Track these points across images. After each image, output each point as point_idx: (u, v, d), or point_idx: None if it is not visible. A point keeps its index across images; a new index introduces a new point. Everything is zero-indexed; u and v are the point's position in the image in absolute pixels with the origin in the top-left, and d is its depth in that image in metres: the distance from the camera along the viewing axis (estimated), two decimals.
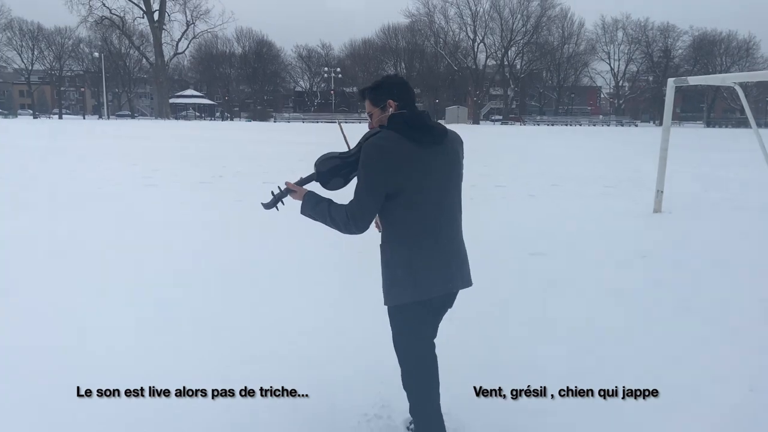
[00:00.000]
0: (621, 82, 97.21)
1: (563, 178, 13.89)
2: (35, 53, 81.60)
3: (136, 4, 79.75)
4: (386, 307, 2.60)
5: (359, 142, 2.49)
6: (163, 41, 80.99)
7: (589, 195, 11.20)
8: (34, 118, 79.60)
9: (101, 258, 6.05)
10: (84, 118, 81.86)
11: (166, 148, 22.11)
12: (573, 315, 4.67)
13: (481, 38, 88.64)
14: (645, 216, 9.19)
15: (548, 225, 8.31)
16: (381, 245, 2.55)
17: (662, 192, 9.42)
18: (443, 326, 2.79)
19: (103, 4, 78.72)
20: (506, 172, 15.19)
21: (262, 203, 2.65)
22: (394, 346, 2.67)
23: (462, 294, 2.67)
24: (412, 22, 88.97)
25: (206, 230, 7.53)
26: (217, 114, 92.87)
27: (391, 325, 2.65)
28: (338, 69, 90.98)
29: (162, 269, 5.68)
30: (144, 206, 9.21)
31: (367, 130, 2.56)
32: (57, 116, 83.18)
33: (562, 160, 19.36)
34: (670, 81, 9.05)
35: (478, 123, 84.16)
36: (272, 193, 2.67)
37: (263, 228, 7.58)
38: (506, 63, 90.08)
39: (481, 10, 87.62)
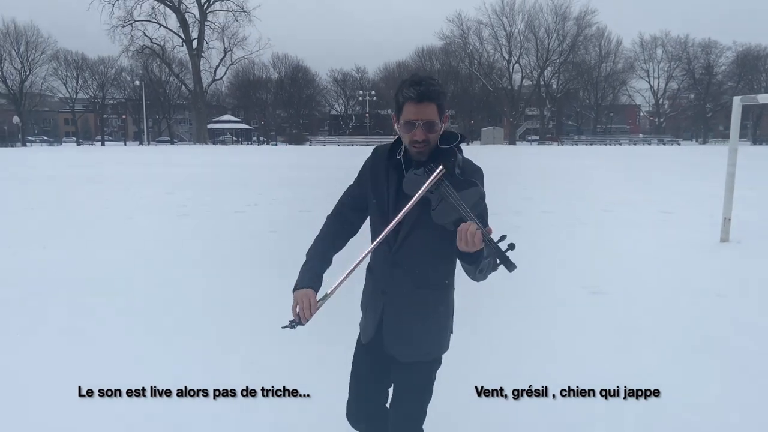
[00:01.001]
0: (661, 100, 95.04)
1: (613, 202, 13.12)
2: (79, 82, 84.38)
3: (176, 33, 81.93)
4: (417, 363, 2.14)
5: (462, 169, 1.99)
6: (201, 68, 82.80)
7: (645, 222, 10.44)
8: (78, 145, 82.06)
9: (111, 280, 5.67)
10: (125, 144, 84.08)
11: (203, 174, 22.09)
12: (649, 371, 4.01)
13: (516, 59, 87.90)
14: (712, 246, 8.41)
15: (605, 257, 7.64)
16: (441, 288, 2.11)
17: (730, 220, 8.63)
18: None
19: (144, 34, 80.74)
20: (551, 196, 14.48)
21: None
22: (421, 405, 2.16)
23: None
24: (446, 44, 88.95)
25: (232, 263, 7.10)
26: (254, 138, 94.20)
27: (426, 381, 2.17)
28: (373, 92, 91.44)
29: (172, 292, 5.26)
30: (174, 237, 8.88)
31: (449, 146, 2.03)
32: (99, 143, 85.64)
33: (608, 183, 18.53)
34: (737, 99, 8.34)
35: (515, 143, 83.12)
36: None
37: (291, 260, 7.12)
38: (542, 83, 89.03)
39: (516, 30, 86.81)
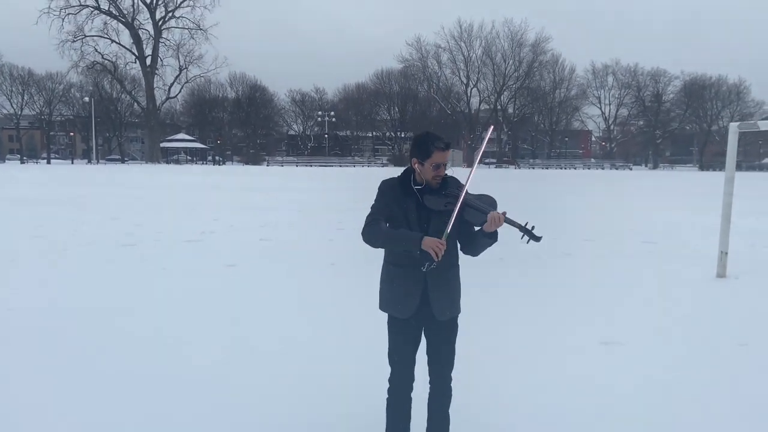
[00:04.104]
0: (612, 126, 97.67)
1: (593, 231, 12.56)
2: (25, 98, 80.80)
3: (128, 50, 79.67)
4: (447, 319, 2.99)
5: (460, 187, 2.89)
6: (155, 86, 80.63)
7: (631, 254, 9.84)
8: (22, 163, 78.27)
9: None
10: (72, 163, 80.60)
11: (153, 197, 20.70)
12: None
13: (474, 83, 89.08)
14: (710, 283, 7.82)
15: (605, 297, 6.91)
16: (457, 266, 3.02)
17: (726, 254, 8.08)
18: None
19: (95, 50, 78.04)
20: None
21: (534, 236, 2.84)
22: (454, 351, 3.08)
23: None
24: (405, 67, 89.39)
25: (186, 313, 6.05)
26: (209, 158, 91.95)
27: (455, 333, 3.07)
28: (332, 113, 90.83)
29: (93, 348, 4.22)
30: (113, 274, 7.72)
31: (450, 176, 2.94)
32: (45, 161, 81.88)
33: (581, 210, 18.11)
34: (733, 126, 7.85)
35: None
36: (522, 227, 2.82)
37: (260, 305, 6.11)
38: (499, 107, 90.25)
39: (474, 55, 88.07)
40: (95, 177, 35.83)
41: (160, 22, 79.58)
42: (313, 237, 11.22)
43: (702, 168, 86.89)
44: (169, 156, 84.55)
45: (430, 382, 3.09)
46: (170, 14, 79.97)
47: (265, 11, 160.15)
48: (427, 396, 3.12)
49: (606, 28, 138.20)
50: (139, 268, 8.10)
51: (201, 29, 78.77)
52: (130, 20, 77.87)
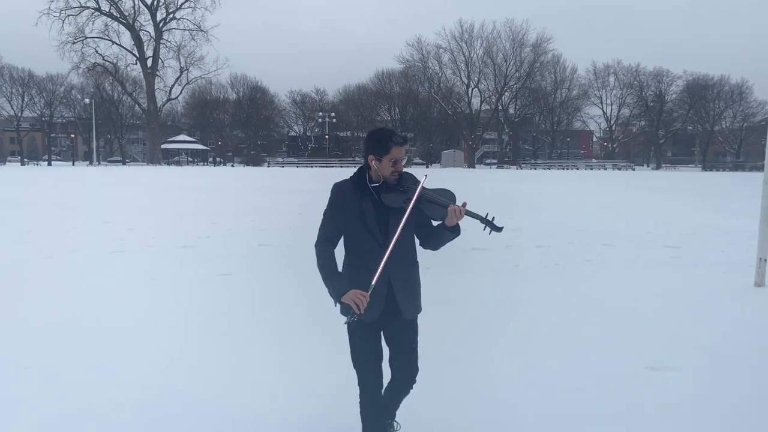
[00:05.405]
0: (614, 126, 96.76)
1: (610, 235, 11.89)
2: (26, 100, 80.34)
3: (129, 51, 79.05)
4: (412, 319, 2.95)
5: (416, 183, 2.86)
6: (156, 87, 79.94)
7: (656, 261, 9.19)
8: (22, 165, 77.79)
9: None
10: (73, 165, 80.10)
11: (149, 199, 20.08)
12: None
13: (475, 83, 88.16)
14: (750, 293, 7.16)
15: (638, 312, 6.23)
16: (416, 263, 2.96)
17: (766, 261, 7.44)
18: None
19: (96, 51, 77.20)
20: (539, 227, 13.15)
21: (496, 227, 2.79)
22: (416, 347, 3.00)
23: None
24: (406, 67, 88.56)
25: (175, 330, 5.41)
26: (210, 159, 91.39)
27: (417, 331, 3.00)
28: (332, 114, 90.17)
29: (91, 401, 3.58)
30: (98, 286, 7.09)
31: (405, 171, 2.88)
32: (46, 163, 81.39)
33: (592, 211, 17.41)
34: None
35: (474, 166, 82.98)
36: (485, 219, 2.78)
37: (260, 324, 5.46)
38: (500, 107, 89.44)
39: (475, 56, 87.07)
40: (88, 179, 35.23)
41: (161, 24, 78.94)
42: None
43: (705, 168, 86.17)
44: (170, 157, 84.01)
45: (392, 379, 3.04)
46: (171, 15, 79.32)
47: (265, 13, 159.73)
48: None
49: (607, 27, 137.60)
50: (127, 278, 7.47)
51: (202, 30, 78.10)
52: (130, 22, 77.24)
